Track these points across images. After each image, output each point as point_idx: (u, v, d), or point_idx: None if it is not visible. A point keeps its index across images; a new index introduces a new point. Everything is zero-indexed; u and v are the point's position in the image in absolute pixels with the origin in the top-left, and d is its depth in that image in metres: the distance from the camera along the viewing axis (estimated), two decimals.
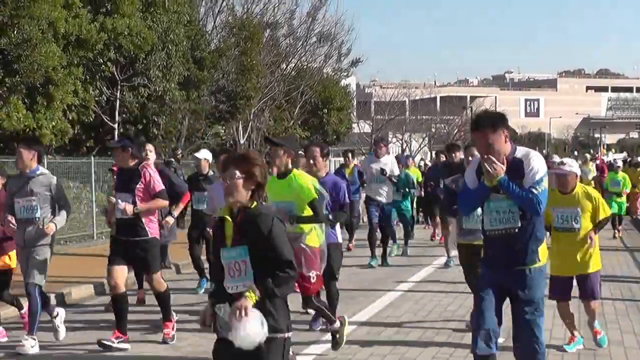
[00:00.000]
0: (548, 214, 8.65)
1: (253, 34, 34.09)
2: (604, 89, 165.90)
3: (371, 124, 69.04)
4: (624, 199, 23.08)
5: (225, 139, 35.04)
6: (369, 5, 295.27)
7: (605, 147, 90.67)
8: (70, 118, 23.91)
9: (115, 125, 25.80)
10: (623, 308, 11.92)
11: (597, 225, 9.17)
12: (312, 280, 8.74)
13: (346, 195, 9.68)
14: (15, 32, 21.37)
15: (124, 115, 26.34)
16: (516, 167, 6.53)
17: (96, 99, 25.10)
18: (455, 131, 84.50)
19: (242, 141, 35.25)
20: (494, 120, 6.68)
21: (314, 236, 8.81)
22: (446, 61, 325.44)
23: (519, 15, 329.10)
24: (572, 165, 9.10)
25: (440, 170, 17.07)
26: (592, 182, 31.77)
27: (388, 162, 16.60)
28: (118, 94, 25.65)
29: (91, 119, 25.04)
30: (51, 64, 22.01)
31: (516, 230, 6.62)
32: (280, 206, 7.74)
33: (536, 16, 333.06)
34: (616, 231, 22.39)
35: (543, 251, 6.66)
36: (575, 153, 77.75)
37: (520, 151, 6.66)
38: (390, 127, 70.52)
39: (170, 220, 11.28)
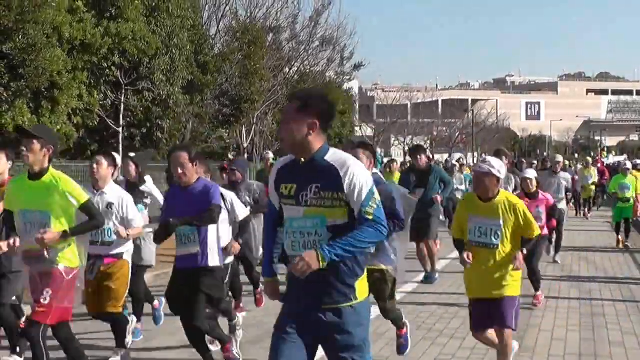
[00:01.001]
0: (461, 223, 7.73)
1: (256, 38, 34.25)
2: (604, 92, 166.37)
3: (373, 127, 69.23)
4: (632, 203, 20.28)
5: (228, 142, 35.14)
6: (371, 10, 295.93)
7: (605, 149, 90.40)
8: (74, 122, 23.99)
9: (120, 129, 25.86)
10: (624, 309, 11.91)
11: (523, 246, 7.65)
12: (44, 302, 6.84)
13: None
14: (20, 36, 21.43)
15: (128, 119, 26.41)
16: (325, 174, 4.91)
17: (100, 103, 25.17)
18: (457, 134, 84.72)
19: (245, 144, 35.33)
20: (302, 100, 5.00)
21: (69, 254, 7.07)
22: (448, 65, 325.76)
23: (520, 19, 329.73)
24: (494, 165, 7.44)
25: (405, 175, 15.26)
26: (593, 186, 30.79)
27: None
28: (122, 98, 25.70)
29: (96, 123, 25.11)
30: (56, 68, 22.08)
31: None
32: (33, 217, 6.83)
33: (537, 20, 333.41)
34: (620, 238, 20.20)
35: (362, 285, 5.03)
36: (576, 156, 77.84)
37: (335, 155, 4.99)
38: (392, 130, 70.76)
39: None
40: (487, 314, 7.64)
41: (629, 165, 21.31)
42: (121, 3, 25.31)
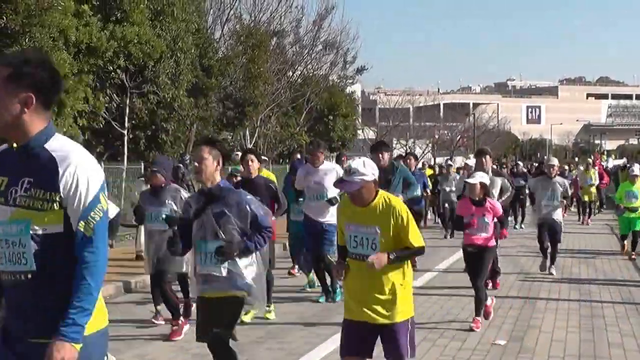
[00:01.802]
0: (342, 229, 6.57)
1: (260, 42, 34.23)
2: (604, 96, 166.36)
3: (376, 130, 69.31)
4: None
5: (232, 145, 35.17)
6: (373, 14, 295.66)
7: (605, 152, 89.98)
8: (80, 124, 23.96)
9: (125, 132, 25.92)
10: (623, 311, 12.02)
11: (396, 252, 6.23)
12: None
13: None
14: (26, 40, 21.33)
15: (133, 122, 26.39)
16: (41, 166, 3.82)
17: (106, 105, 25.15)
18: (458, 137, 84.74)
19: (249, 147, 35.39)
20: None
21: None
22: (449, 69, 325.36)
23: (521, 23, 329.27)
24: (362, 172, 6.11)
25: None
26: (593, 189, 30.21)
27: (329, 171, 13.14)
28: (127, 100, 25.72)
29: (101, 125, 25.13)
30: (62, 71, 22.00)
31: (28, 276, 3.83)
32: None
33: (537, 25, 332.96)
34: (626, 246, 19.01)
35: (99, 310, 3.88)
36: (576, 159, 77.75)
37: (59, 144, 3.89)
38: (394, 133, 70.76)
39: None
40: (366, 339, 6.42)
41: (636, 170, 18.75)
42: (127, 7, 25.30)
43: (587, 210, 30.00)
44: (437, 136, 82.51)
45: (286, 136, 40.17)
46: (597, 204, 33.64)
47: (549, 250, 15.90)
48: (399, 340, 6.30)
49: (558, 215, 15.93)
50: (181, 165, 26.76)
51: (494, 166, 16.08)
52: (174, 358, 9.25)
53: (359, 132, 58.75)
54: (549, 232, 15.76)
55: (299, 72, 43.11)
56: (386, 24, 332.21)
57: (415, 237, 6.26)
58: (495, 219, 11.08)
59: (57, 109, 22.50)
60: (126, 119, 25.92)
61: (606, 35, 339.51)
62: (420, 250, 6.38)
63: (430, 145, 78.67)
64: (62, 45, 22.52)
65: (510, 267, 17.01)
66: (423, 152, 75.51)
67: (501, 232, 12.30)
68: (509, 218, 25.07)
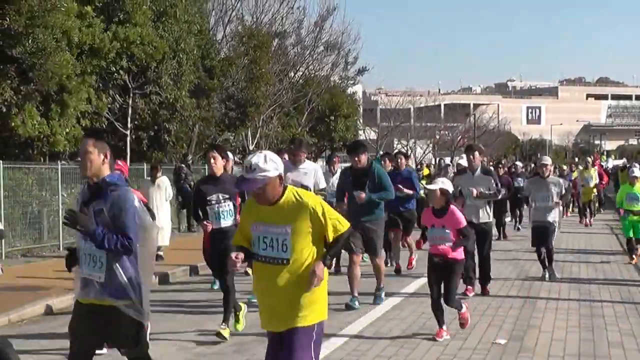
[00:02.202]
0: (244, 230, 6.10)
1: (262, 43, 34.30)
2: (604, 96, 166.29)
3: (377, 130, 69.34)
4: None
5: (234, 145, 35.26)
6: (374, 15, 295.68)
7: (605, 153, 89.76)
8: (83, 125, 23.98)
9: (128, 132, 25.99)
10: (622, 310, 12.07)
11: (329, 252, 5.87)
12: None
13: None
14: (30, 41, 21.36)
15: (136, 122, 26.45)
16: None
17: (109, 106, 25.20)
18: (459, 137, 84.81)
19: (251, 147, 35.47)
20: None
21: None
22: (450, 70, 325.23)
23: (521, 25, 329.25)
24: (263, 167, 5.69)
25: (342, 175, 13.47)
26: (594, 189, 29.39)
27: (309, 171, 13.12)
28: (130, 101, 25.76)
29: (104, 126, 25.17)
30: (65, 72, 22.08)
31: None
32: None
33: (538, 26, 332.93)
34: (634, 255, 17.97)
35: None
36: (576, 159, 77.71)
37: None
38: (395, 133, 70.86)
39: None
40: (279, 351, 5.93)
41: (637, 172, 17.99)
42: (129, 8, 25.36)
43: (588, 210, 29.17)
44: (438, 136, 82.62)
45: (288, 136, 40.17)
46: (597, 204, 32.93)
47: (544, 254, 15.16)
48: (300, 346, 5.72)
49: (553, 217, 15.09)
50: (183, 165, 26.93)
51: (485, 162, 15.95)
52: (176, 357, 9.30)
53: (360, 132, 58.82)
54: (542, 237, 15.02)
55: (301, 73, 43.25)
56: (387, 25, 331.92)
57: (339, 224, 5.87)
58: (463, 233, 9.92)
59: (60, 110, 22.59)
60: (129, 119, 25.98)
61: (606, 36, 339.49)
62: (348, 232, 5.93)
63: (431, 145, 78.77)
64: (65, 46, 22.55)
65: (510, 267, 17.11)
66: (424, 152, 75.65)
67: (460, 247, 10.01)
68: (507, 219, 25.19)
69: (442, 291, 9.97)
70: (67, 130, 22.86)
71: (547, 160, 16.01)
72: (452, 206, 9.94)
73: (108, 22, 25.14)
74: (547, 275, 15.11)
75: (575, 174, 32.99)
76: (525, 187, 17.57)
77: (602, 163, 44.19)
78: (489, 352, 9.36)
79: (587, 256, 19.28)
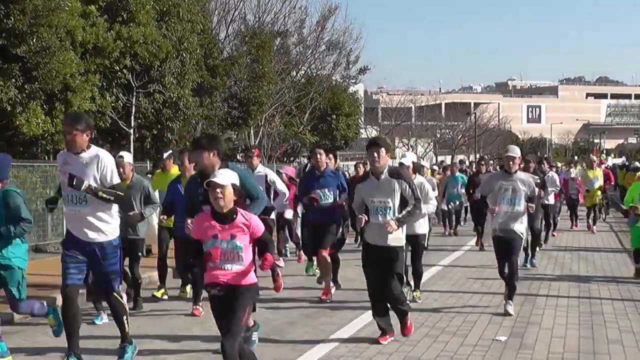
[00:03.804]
0: None
1: (264, 42, 34.40)
2: (603, 96, 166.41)
3: (378, 129, 69.49)
4: None
5: (237, 143, 35.34)
6: (376, 15, 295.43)
7: (604, 151, 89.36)
8: None
9: (131, 131, 26.06)
10: (622, 308, 12.12)
11: None
12: None
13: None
14: (34, 40, 21.37)
15: (139, 121, 26.47)
16: None
17: (112, 105, 25.20)
18: (460, 136, 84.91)
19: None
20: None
21: None
22: (451, 69, 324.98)
23: (521, 24, 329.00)
24: None
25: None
26: (599, 192, 25.54)
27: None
28: (134, 100, 25.78)
29: (108, 125, 25.17)
30: (69, 71, 22.11)
31: None
32: None
33: (538, 25, 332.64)
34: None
35: None
36: (575, 158, 77.71)
37: None
38: (396, 132, 71.01)
39: None
40: None
41: None
42: (133, 8, 25.39)
43: (593, 215, 25.76)
44: (438, 135, 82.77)
45: (290, 135, 40.38)
46: (604, 208, 29.52)
47: (506, 275, 11.86)
48: None
49: (520, 226, 11.81)
50: None
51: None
52: (178, 354, 9.34)
53: (362, 131, 58.91)
54: (506, 252, 11.79)
55: (303, 72, 43.38)
56: (388, 24, 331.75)
57: None
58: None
59: (64, 109, 22.64)
60: (132, 118, 26.01)
61: (606, 36, 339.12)
62: None
63: (432, 144, 78.90)
64: (69, 46, 22.58)
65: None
66: (425, 151, 75.76)
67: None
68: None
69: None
70: None
71: (515, 151, 11.98)
72: (239, 210, 7.28)
73: (112, 21, 25.15)
74: (507, 307, 11.65)
75: (577, 171, 31.12)
76: (482, 185, 12.79)
77: (604, 160, 42.16)
78: (489, 348, 9.40)
79: (587, 254, 19.33)
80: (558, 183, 21.19)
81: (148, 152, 26.97)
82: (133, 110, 25.96)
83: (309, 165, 14.45)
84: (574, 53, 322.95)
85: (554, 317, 11.36)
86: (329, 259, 12.96)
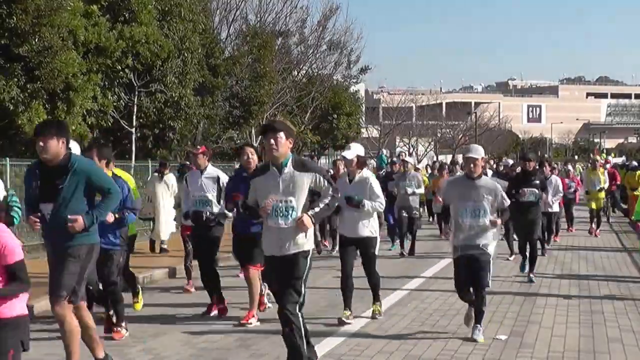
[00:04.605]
0: None
1: (266, 42, 34.41)
2: (603, 95, 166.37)
3: (379, 128, 69.53)
4: None
5: (238, 143, 35.33)
6: (377, 15, 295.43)
7: (604, 150, 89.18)
8: (89, 123, 24.07)
9: (133, 130, 26.13)
10: (622, 307, 12.12)
11: None
12: None
13: None
14: (36, 39, 21.42)
15: (141, 120, 26.55)
16: None
17: (114, 104, 25.27)
18: (460, 136, 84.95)
19: (255, 145, 35.57)
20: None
21: None
22: (451, 68, 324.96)
23: (522, 24, 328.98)
24: None
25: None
26: (602, 194, 23.59)
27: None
28: (135, 99, 25.86)
29: (109, 124, 25.25)
30: (71, 70, 22.16)
31: None
32: None
33: (538, 25, 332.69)
34: None
35: None
36: (576, 157, 77.58)
37: None
38: (397, 132, 71.09)
39: None
40: None
41: None
42: (135, 7, 25.50)
43: (596, 219, 23.51)
44: (439, 135, 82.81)
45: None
46: (609, 210, 27.92)
47: (474, 300, 9.99)
48: None
49: (488, 241, 9.77)
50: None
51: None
52: (180, 352, 9.35)
53: (363, 130, 58.96)
54: (472, 272, 9.82)
55: (304, 72, 43.38)
56: (389, 24, 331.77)
57: None
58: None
59: (66, 108, 22.71)
60: (134, 117, 26.09)
61: (606, 36, 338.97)
62: None
63: (432, 143, 78.93)
64: (71, 45, 22.66)
65: (510, 264, 17.18)
66: (426, 150, 75.78)
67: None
68: None
69: None
70: (73, 128, 22.85)
71: (477, 152, 9.85)
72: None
73: (114, 21, 25.25)
74: (475, 335, 9.81)
75: (579, 170, 29.55)
76: (443, 192, 11.09)
77: (609, 159, 40.10)
78: (489, 347, 9.43)
79: (587, 253, 19.34)
80: (561, 189, 19.89)
81: (150, 152, 27.03)
82: (135, 110, 26.04)
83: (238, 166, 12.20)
84: (574, 53, 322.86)
85: (554, 316, 11.38)
86: (257, 277, 10.93)
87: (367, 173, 11.06)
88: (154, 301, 12.63)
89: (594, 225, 23.25)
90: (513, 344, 9.67)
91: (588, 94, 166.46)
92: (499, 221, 9.85)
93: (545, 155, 75.04)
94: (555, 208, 19.83)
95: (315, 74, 43.66)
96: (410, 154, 63.72)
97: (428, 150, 76.41)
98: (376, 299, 11.23)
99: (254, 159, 10.98)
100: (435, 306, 12.22)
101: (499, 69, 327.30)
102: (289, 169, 7.76)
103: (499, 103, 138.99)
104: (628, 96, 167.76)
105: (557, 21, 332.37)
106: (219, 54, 31.76)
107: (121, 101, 25.69)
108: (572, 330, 10.45)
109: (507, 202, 10.01)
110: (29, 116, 21.46)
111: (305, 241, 7.79)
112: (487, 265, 9.73)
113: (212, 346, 9.60)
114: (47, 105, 22.38)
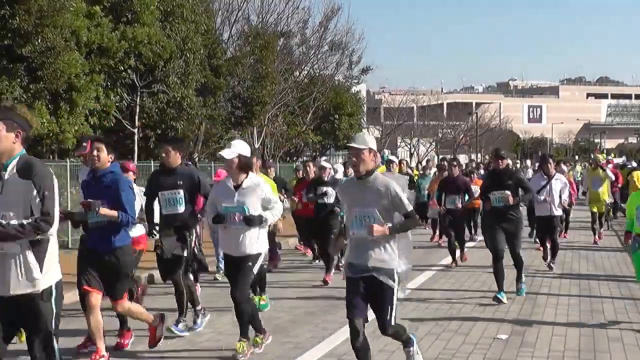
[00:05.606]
0: None
1: (267, 42, 34.55)
2: (603, 96, 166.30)
3: (381, 129, 69.59)
4: None
5: None
6: (378, 15, 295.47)
7: (604, 151, 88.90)
8: (91, 123, 24.15)
9: (135, 130, 26.18)
10: (622, 306, 12.12)
11: None
12: None
13: None
14: (39, 40, 21.50)
15: (143, 120, 26.64)
16: None
17: (117, 104, 25.36)
18: (461, 136, 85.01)
19: (256, 145, 35.64)
20: None
21: None
22: (452, 69, 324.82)
23: (523, 25, 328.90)
24: None
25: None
26: (606, 196, 21.76)
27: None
28: (138, 99, 25.94)
29: (112, 124, 25.33)
30: (74, 71, 22.23)
31: None
32: None
33: (539, 26, 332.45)
34: None
35: None
36: (576, 157, 77.52)
37: None
38: (399, 132, 71.16)
39: None
40: None
41: None
42: (137, 8, 25.59)
43: (598, 223, 21.63)
44: (440, 135, 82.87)
45: (293, 135, 40.50)
46: (611, 212, 25.76)
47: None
48: None
49: (386, 257, 7.34)
50: (190, 162, 27.09)
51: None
52: (183, 352, 9.36)
53: (364, 130, 59.03)
54: (372, 301, 7.49)
55: (306, 72, 43.51)
56: (390, 25, 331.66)
57: None
58: None
59: (69, 108, 22.77)
60: (136, 117, 26.15)
61: (606, 36, 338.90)
62: None
63: (433, 143, 79.01)
64: (74, 46, 22.72)
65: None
66: (427, 150, 75.86)
67: None
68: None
69: None
70: (76, 128, 23.00)
71: (361, 139, 7.44)
72: None
73: (116, 21, 25.31)
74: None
75: (580, 171, 27.75)
76: (338, 193, 9.61)
77: (612, 160, 38.57)
78: (490, 346, 9.45)
79: (587, 252, 19.34)
80: (569, 189, 17.92)
81: (152, 152, 27.08)
82: (137, 110, 26.12)
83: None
84: (575, 53, 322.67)
85: (555, 316, 11.40)
86: (128, 307, 8.91)
87: (255, 178, 8.98)
88: (154, 301, 12.62)
89: (596, 237, 21.47)
90: (514, 343, 9.69)
91: (588, 95, 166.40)
92: (384, 228, 7.17)
93: (551, 155, 74.63)
94: (559, 212, 17.05)
95: (317, 74, 43.81)
96: (411, 154, 63.77)
97: (429, 150, 76.51)
98: (244, 333, 9.00)
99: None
100: (436, 305, 12.22)
101: (499, 69, 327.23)
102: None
103: (500, 103, 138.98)
104: (628, 97, 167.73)
105: (557, 21, 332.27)
106: (221, 54, 31.84)
107: (123, 101, 25.75)
108: (572, 329, 10.45)
109: (409, 207, 7.34)
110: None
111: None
112: (390, 295, 7.36)
113: (215, 345, 9.62)
114: (50, 106, 22.44)
